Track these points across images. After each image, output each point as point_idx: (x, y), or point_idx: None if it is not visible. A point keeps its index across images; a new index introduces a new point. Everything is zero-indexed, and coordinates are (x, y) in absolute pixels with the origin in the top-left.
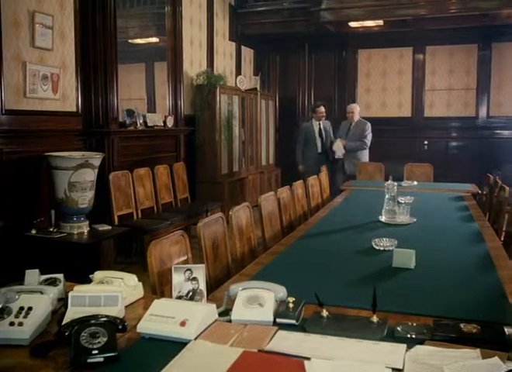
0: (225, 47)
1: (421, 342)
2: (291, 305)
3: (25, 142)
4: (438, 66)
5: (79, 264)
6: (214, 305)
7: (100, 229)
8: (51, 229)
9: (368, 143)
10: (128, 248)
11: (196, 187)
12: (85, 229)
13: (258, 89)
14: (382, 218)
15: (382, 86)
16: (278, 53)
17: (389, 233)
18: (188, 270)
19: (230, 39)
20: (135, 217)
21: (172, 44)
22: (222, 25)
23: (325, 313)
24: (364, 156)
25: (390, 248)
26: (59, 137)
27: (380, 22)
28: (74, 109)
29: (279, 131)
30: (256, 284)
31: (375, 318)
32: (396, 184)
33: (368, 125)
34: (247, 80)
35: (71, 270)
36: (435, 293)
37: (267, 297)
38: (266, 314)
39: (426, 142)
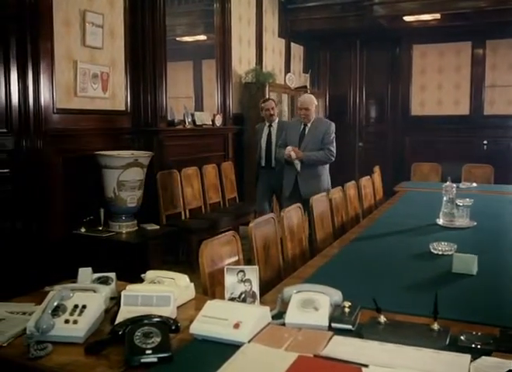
0: (274, 44)
1: (487, 353)
2: (347, 310)
3: (76, 141)
4: (500, 61)
5: (127, 263)
6: (268, 308)
7: (148, 228)
8: (100, 228)
9: (335, 153)
10: (175, 248)
11: (244, 186)
12: (133, 229)
13: (308, 87)
14: (440, 221)
15: (438, 83)
16: (328, 49)
17: (448, 237)
18: (241, 271)
19: (279, 36)
20: (183, 217)
21: (221, 41)
22: (271, 21)
23: (382, 319)
24: (326, 171)
25: (449, 252)
26: (108, 136)
27: (437, 16)
28: (123, 108)
29: None
30: (310, 287)
31: (436, 326)
32: (454, 185)
33: (333, 126)
34: (297, 77)
35: (119, 269)
36: (500, 301)
37: (322, 301)
38: (321, 318)
39: (485, 142)
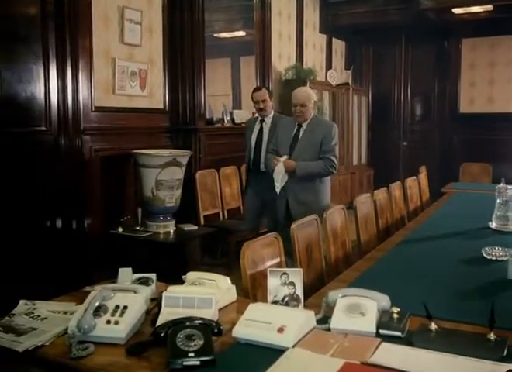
0: (315, 40)
1: None
2: (395, 316)
3: (114, 139)
4: None
5: (164, 264)
6: (312, 312)
7: (186, 228)
8: (137, 228)
9: (337, 164)
10: (213, 249)
11: None
12: (171, 229)
13: (350, 84)
14: (492, 225)
15: (489, 78)
16: (371, 44)
17: (502, 241)
18: (285, 273)
19: (320, 31)
20: (221, 217)
21: (260, 37)
22: (312, 16)
23: (434, 326)
24: (326, 187)
25: (504, 258)
26: (146, 134)
27: (489, 7)
28: (161, 106)
29: (372, 129)
30: (356, 291)
31: (492, 336)
32: (509, 187)
33: (335, 128)
34: (338, 74)
35: (156, 270)
36: None
37: (369, 306)
38: (368, 324)
39: None
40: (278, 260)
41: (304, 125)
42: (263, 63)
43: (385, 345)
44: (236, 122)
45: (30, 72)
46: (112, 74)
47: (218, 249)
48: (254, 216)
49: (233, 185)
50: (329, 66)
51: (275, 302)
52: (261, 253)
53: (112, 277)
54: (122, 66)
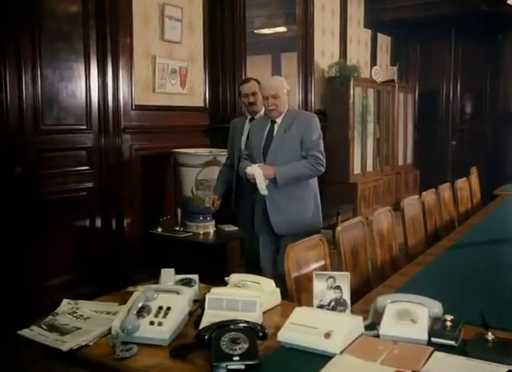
0: (359, 35)
1: None
2: (448, 324)
3: (153, 138)
4: None
5: (204, 265)
6: (360, 318)
7: (226, 229)
8: (177, 228)
9: (324, 160)
10: None
11: (326, 187)
12: (211, 229)
13: (396, 81)
14: None
15: None
16: (418, 39)
17: None
18: (331, 277)
19: (364, 26)
20: None
21: (303, 33)
22: (356, 11)
23: (490, 336)
24: (311, 190)
25: None
26: (186, 133)
27: None
28: (202, 104)
29: (418, 128)
30: (406, 297)
31: None
32: None
33: (315, 119)
34: (384, 71)
35: (195, 271)
36: None
37: (420, 313)
38: (420, 331)
39: None
40: (322, 262)
41: (278, 121)
42: (305, 60)
43: (437, 354)
44: None
45: (71, 70)
46: (152, 72)
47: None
48: (250, 233)
49: None
50: (374, 62)
51: (321, 307)
52: (305, 255)
53: (152, 278)
54: (162, 63)
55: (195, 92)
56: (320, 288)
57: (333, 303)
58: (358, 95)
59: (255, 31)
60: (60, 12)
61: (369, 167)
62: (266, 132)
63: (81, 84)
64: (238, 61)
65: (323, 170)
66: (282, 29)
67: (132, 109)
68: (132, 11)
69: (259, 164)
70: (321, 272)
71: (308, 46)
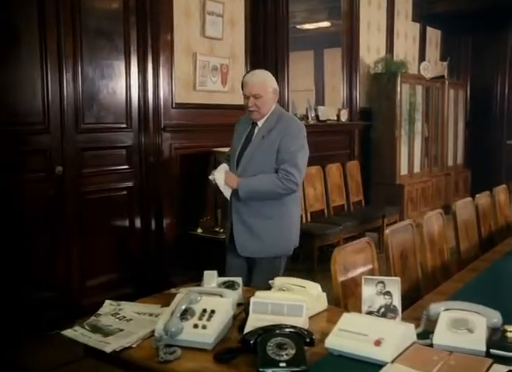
0: (407, 29)
1: None
2: (509, 335)
3: (194, 137)
4: None
5: None
6: (412, 325)
7: None
8: (217, 229)
9: (301, 178)
10: (294, 253)
11: (371, 189)
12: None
13: (446, 77)
14: None
15: None
16: (470, 33)
17: None
18: (381, 282)
19: (412, 20)
20: (304, 220)
21: (347, 28)
22: (404, 4)
23: None
24: (287, 207)
25: None
26: (227, 132)
27: None
28: (243, 102)
29: (470, 126)
30: (461, 305)
31: None
32: None
33: (298, 128)
34: (433, 66)
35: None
36: None
37: (477, 322)
38: (477, 342)
39: None
40: (370, 266)
41: (260, 124)
42: (350, 56)
43: (497, 367)
44: (321, 119)
45: (112, 68)
46: (192, 70)
47: (300, 253)
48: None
49: (316, 186)
50: (422, 58)
51: (370, 313)
52: (352, 258)
53: (190, 279)
54: (203, 61)
55: (236, 90)
56: (369, 294)
57: (382, 309)
58: (406, 92)
59: (297, 26)
60: (101, 9)
61: (417, 168)
62: (245, 135)
63: (122, 82)
64: (280, 58)
65: (295, 188)
66: (325, 23)
67: (172, 107)
68: (172, 7)
69: (227, 171)
70: (370, 276)
71: (353, 41)
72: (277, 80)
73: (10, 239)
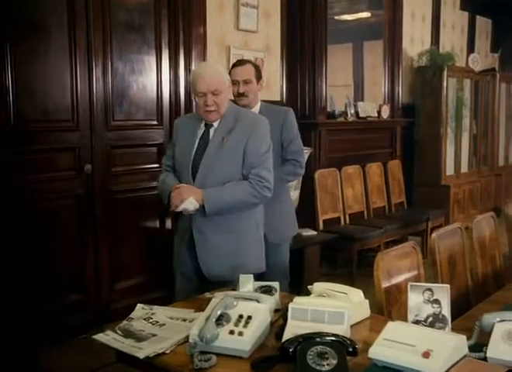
0: (454, 19)
1: None
2: None
3: None
4: None
5: None
6: (464, 337)
7: (304, 234)
8: None
9: (272, 182)
10: (332, 258)
11: (414, 190)
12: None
13: (497, 70)
14: None
15: None
16: None
17: None
18: (429, 290)
19: (461, 9)
20: (342, 222)
21: (390, 18)
22: None
23: None
24: (254, 221)
25: None
26: None
27: None
28: (278, 98)
29: None
30: None
31: None
32: None
33: (267, 123)
34: (483, 58)
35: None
36: None
37: None
38: None
39: None
40: (416, 272)
41: (215, 124)
42: (392, 48)
43: None
44: (361, 115)
45: (142, 62)
46: (226, 64)
47: (338, 258)
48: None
49: (356, 187)
50: (471, 49)
51: (417, 322)
52: (397, 264)
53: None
54: (236, 54)
55: (271, 85)
56: (416, 301)
57: (430, 318)
58: (452, 87)
59: (335, 17)
60: (131, 2)
61: (464, 168)
62: (198, 139)
63: (152, 77)
64: (318, 51)
65: (269, 195)
66: (366, 14)
67: None
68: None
69: (185, 185)
70: (417, 283)
71: (395, 33)
72: (314, 76)
73: (38, 240)
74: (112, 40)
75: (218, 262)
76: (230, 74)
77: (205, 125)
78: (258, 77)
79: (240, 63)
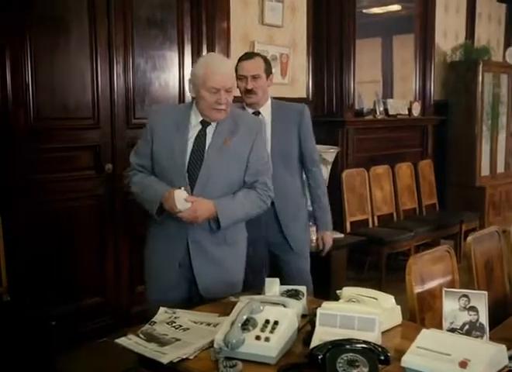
0: (490, 10)
1: None
2: None
3: None
4: None
5: None
6: (504, 346)
7: None
8: None
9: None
10: (359, 261)
11: (446, 191)
12: (313, 236)
13: None
14: None
15: None
16: None
17: None
18: (465, 296)
19: (498, 0)
20: (370, 224)
21: (421, 11)
22: None
23: None
24: (244, 233)
25: None
26: None
27: None
28: (304, 95)
29: None
30: None
31: None
32: None
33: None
34: None
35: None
36: None
37: None
38: None
39: None
40: (450, 277)
41: (213, 124)
42: (424, 43)
43: None
44: (391, 113)
45: (164, 59)
46: None
47: (366, 261)
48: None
49: (385, 188)
50: (508, 43)
51: (452, 330)
52: (430, 268)
53: (253, 287)
54: (261, 50)
55: (297, 82)
56: (451, 308)
57: (467, 326)
58: (488, 82)
59: (363, 11)
60: None
61: (500, 168)
62: (193, 139)
63: (175, 74)
64: (346, 46)
65: (269, 205)
66: (396, 7)
67: None
68: None
69: (198, 200)
70: (452, 289)
71: (427, 26)
72: (341, 72)
73: (57, 240)
74: (134, 36)
75: (212, 279)
76: (236, 68)
77: (202, 123)
78: (268, 71)
79: (248, 56)
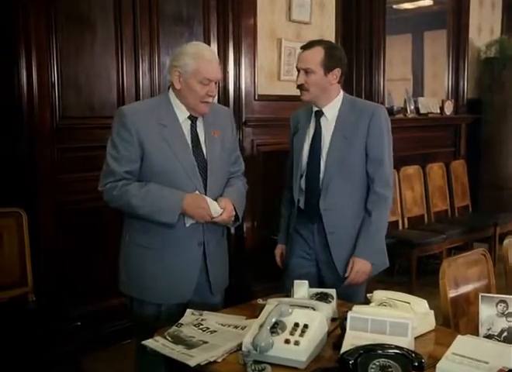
0: None
1: None
2: None
3: (278, 132)
4: None
5: None
6: None
7: None
8: None
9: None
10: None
11: (480, 193)
12: None
13: None
14: None
15: None
16: None
17: None
18: (503, 301)
19: None
20: (400, 226)
21: (455, 6)
22: None
23: None
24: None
25: None
26: None
27: None
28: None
29: None
30: None
31: None
32: None
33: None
34: None
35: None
36: None
37: None
38: None
39: None
40: (486, 282)
41: (200, 119)
42: (457, 39)
43: None
44: (422, 112)
45: None
46: (277, 57)
47: (395, 264)
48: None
49: (415, 188)
50: None
51: (489, 336)
52: (465, 272)
53: (270, 288)
54: (289, 47)
55: None
56: (488, 314)
57: (505, 333)
58: None
59: (394, 6)
60: None
61: None
62: (190, 137)
63: None
64: (376, 43)
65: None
66: (427, 2)
67: (254, 99)
68: None
69: (225, 199)
70: (489, 294)
71: (461, 22)
72: (370, 69)
73: (81, 240)
74: (160, 34)
75: (216, 269)
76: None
77: (190, 118)
78: (329, 66)
79: (307, 45)
